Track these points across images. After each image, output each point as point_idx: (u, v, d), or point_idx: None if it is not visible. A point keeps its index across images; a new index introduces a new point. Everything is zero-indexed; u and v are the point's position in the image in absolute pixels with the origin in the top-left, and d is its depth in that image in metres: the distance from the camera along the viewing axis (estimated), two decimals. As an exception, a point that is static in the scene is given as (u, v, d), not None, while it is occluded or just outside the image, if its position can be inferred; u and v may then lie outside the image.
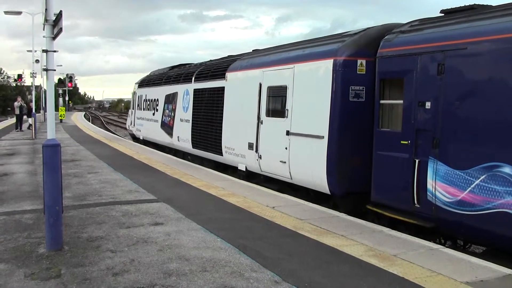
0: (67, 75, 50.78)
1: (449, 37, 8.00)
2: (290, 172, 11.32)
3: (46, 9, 6.87)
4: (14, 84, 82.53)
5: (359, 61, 9.89)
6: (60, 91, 55.28)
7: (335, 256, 6.73)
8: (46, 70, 6.98)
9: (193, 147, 17.72)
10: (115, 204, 9.84)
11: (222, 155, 15.17)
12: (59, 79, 52.67)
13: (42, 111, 46.33)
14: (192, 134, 17.70)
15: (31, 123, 29.39)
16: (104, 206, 9.66)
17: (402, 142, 8.63)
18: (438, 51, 8.06)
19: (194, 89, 17.83)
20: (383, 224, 8.91)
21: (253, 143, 13.04)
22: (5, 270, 6.12)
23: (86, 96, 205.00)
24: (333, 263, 6.45)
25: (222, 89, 15.41)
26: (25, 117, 36.31)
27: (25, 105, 37.82)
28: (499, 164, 7.02)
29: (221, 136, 15.19)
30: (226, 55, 18.18)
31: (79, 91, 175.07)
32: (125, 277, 5.85)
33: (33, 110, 33.65)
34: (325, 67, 10.24)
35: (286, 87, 11.60)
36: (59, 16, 6.79)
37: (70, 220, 8.45)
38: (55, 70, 7.16)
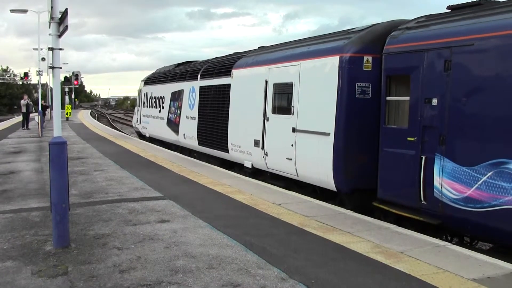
0: (73, 73, 50.94)
1: (456, 33, 7.96)
2: (296, 169, 11.31)
3: (51, 7, 6.88)
4: (21, 83, 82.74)
5: (365, 58, 9.87)
6: (66, 89, 55.46)
7: (342, 253, 6.72)
8: (52, 68, 7.00)
9: (199, 145, 17.74)
10: (121, 201, 9.86)
11: (228, 152, 15.17)
12: (65, 77, 52.84)
13: (48, 109, 46.42)
14: (198, 132, 17.71)
15: (37, 120, 29.46)
16: (111, 203, 9.69)
17: (408, 138, 8.61)
18: (445, 47, 8.03)
19: (200, 87, 17.84)
20: (389, 221, 8.90)
21: (259, 140, 13.04)
22: (13, 267, 6.15)
23: (92, 94, 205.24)
24: (340, 260, 6.44)
25: (228, 86, 15.40)
26: (32, 115, 36.43)
27: (31, 103, 37.91)
28: (506, 160, 6.99)
29: (227, 133, 15.19)
30: (232, 52, 18.18)
31: (85, 89, 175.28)
32: (132, 274, 5.86)
33: (40, 108, 33.65)
34: (331, 63, 10.21)
35: (292, 84, 11.58)
36: (64, 14, 6.81)
37: (76, 218, 8.48)
38: (61, 68, 7.17)
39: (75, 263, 6.26)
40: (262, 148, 12.88)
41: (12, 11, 33.39)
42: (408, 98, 8.79)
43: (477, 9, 8.17)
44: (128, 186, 11.62)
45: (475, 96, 7.60)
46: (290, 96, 11.65)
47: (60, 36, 7.03)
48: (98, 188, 11.36)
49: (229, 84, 15.32)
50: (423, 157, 8.31)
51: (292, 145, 11.38)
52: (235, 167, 14.99)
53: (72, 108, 54.79)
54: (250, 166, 13.71)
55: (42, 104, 36.28)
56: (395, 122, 9.37)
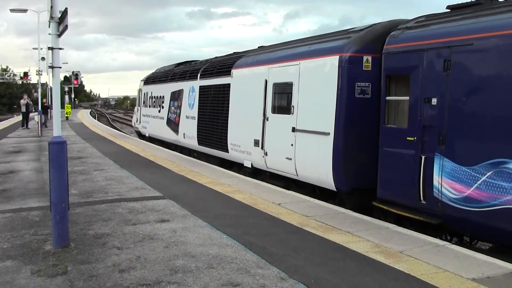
0: (73, 72, 50.88)
1: (455, 33, 7.96)
2: (296, 169, 11.31)
3: (51, 7, 6.88)
4: (20, 82, 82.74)
5: (365, 58, 9.86)
6: (66, 89, 55.44)
7: (341, 253, 6.72)
8: (51, 67, 6.99)
9: (198, 144, 17.74)
10: (121, 201, 9.86)
11: (227, 152, 15.17)
12: (65, 77, 52.80)
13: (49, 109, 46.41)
14: (197, 131, 17.71)
15: (37, 120, 29.45)
16: (110, 203, 9.69)
17: (408, 138, 8.61)
18: (444, 47, 8.03)
19: (200, 86, 17.83)
20: (389, 220, 8.90)
21: (259, 140, 13.04)
22: (12, 266, 6.15)
23: (92, 93, 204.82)
24: (339, 259, 6.44)
25: (227, 86, 15.40)
26: (31, 114, 36.43)
27: (31, 102, 37.88)
28: (506, 160, 6.99)
29: (226, 133, 15.19)
30: (232, 52, 18.18)
31: (85, 88, 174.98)
32: (132, 274, 5.86)
33: (40, 107, 33.63)
34: (331, 63, 10.21)
35: (292, 84, 11.58)
36: (64, 13, 6.81)
37: (76, 217, 8.48)
38: (60, 67, 7.17)
39: (74, 263, 6.26)
40: (262, 147, 12.88)
41: (12, 10, 33.37)
42: (407, 97, 8.79)
43: (476, 8, 8.17)
44: (128, 185, 11.62)
45: (474, 95, 7.60)
46: (290, 96, 11.65)
47: (60, 35, 7.02)
48: (97, 187, 11.36)
49: (229, 84, 15.31)
50: (423, 157, 8.31)
51: (292, 145, 11.37)
52: (235, 166, 14.99)
53: (71, 108, 54.73)
54: (250, 166, 13.71)
55: (43, 104, 36.27)
56: (394, 121, 9.37)
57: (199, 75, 18.12)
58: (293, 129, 11.35)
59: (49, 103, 45.13)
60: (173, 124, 20.70)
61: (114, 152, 18.80)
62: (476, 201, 7.40)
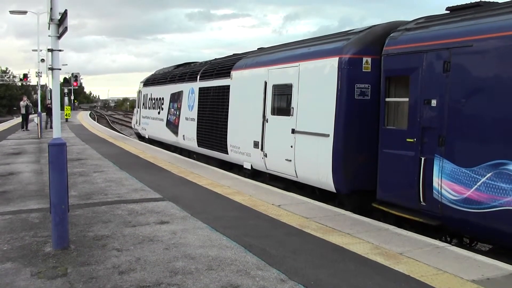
0: (72, 74, 50.88)
1: (455, 35, 7.96)
2: (295, 171, 11.31)
3: (51, 8, 6.88)
4: (20, 84, 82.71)
5: (364, 59, 9.87)
6: (66, 90, 55.37)
7: (341, 254, 6.72)
8: (51, 69, 6.99)
9: (198, 146, 17.74)
10: (120, 203, 9.86)
11: (227, 154, 15.17)
12: (65, 78, 52.76)
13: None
14: (197, 133, 17.71)
15: (36, 122, 29.43)
16: (110, 205, 9.68)
17: (407, 140, 8.61)
18: (444, 48, 8.03)
19: (199, 88, 17.84)
20: (388, 222, 8.89)
21: (258, 142, 13.04)
22: (12, 268, 6.14)
23: (92, 95, 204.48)
24: (339, 261, 6.44)
25: (227, 88, 15.41)
26: (31, 116, 36.42)
27: (30, 104, 37.85)
28: (505, 161, 6.99)
29: (226, 135, 15.19)
30: (232, 54, 18.17)
31: (85, 90, 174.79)
32: (131, 276, 5.86)
33: (39, 109, 33.60)
34: (331, 65, 10.22)
35: (292, 85, 11.58)
36: (64, 15, 6.81)
37: (76, 219, 8.48)
38: (60, 69, 7.17)
39: (74, 265, 6.26)
40: (262, 149, 12.88)
41: (12, 12, 33.37)
42: (407, 99, 8.79)
43: (476, 10, 8.18)
44: (128, 187, 11.61)
45: (474, 97, 7.60)
46: (290, 97, 11.65)
47: (59, 37, 7.02)
48: (97, 189, 11.36)
49: (229, 86, 15.32)
50: (422, 158, 8.31)
51: (292, 146, 11.38)
52: (234, 168, 14.99)
53: (71, 110, 54.68)
54: (250, 167, 13.71)
55: (47, 105, 36.22)
56: (394, 123, 9.37)
57: (198, 77, 18.12)
58: (293, 131, 11.35)
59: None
60: (172, 125, 20.70)
61: (113, 154, 18.79)
62: (475, 203, 7.40)
